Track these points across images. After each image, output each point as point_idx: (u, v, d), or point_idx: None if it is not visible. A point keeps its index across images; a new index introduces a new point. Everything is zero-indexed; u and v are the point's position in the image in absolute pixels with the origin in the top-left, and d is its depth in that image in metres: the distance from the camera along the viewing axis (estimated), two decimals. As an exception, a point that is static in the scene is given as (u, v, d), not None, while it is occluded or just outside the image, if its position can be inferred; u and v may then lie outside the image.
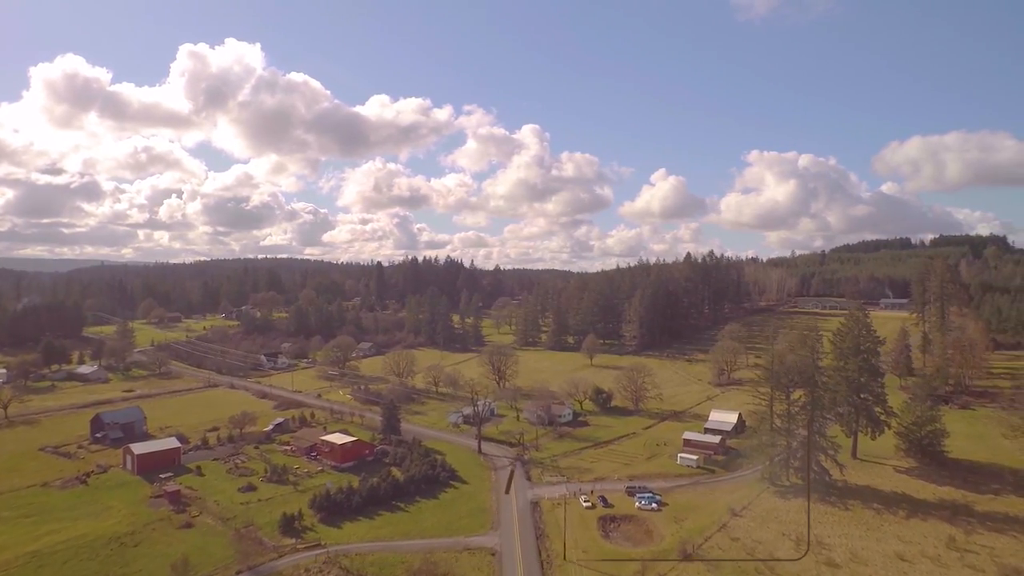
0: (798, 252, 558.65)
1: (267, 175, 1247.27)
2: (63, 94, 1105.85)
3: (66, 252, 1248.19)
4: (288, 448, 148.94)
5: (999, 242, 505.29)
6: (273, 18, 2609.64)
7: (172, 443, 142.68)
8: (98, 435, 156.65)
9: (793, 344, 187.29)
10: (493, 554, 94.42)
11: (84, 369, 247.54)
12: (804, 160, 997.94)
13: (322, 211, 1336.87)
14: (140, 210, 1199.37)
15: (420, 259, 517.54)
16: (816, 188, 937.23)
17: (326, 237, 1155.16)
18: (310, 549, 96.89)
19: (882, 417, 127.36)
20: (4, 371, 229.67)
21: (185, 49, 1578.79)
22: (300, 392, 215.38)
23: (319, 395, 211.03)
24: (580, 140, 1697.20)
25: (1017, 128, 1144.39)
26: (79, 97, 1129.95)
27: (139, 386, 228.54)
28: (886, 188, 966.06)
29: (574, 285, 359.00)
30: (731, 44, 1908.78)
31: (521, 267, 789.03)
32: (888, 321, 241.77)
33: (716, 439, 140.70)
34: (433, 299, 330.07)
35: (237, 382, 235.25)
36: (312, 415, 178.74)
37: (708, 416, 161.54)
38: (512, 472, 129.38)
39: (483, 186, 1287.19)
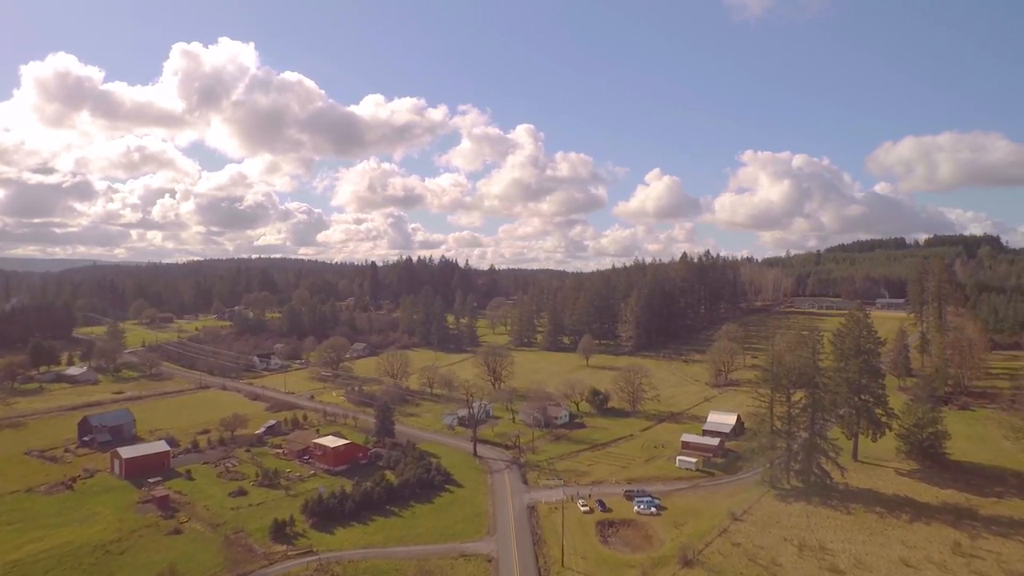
0: (793, 252, 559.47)
1: (261, 175, 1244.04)
2: (55, 93, 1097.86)
3: (58, 252, 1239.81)
4: (280, 451, 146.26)
5: (993, 242, 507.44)
6: (267, 17, 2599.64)
7: (161, 446, 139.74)
8: (86, 438, 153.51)
9: (791, 344, 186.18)
10: (489, 560, 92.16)
11: (73, 370, 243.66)
12: (798, 160, 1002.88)
13: (316, 211, 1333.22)
14: (133, 210, 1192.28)
15: (415, 259, 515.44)
16: (810, 188, 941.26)
17: (320, 237, 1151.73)
18: (302, 556, 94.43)
19: (883, 419, 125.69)
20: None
21: (178, 48, 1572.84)
22: (293, 394, 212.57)
23: (312, 396, 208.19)
24: (575, 140, 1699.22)
25: (1009, 128, 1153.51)
26: (71, 96, 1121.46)
27: (129, 388, 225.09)
28: (879, 188, 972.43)
29: (570, 285, 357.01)
30: (726, 44, 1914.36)
31: (516, 267, 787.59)
32: (885, 321, 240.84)
33: (715, 441, 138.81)
34: (428, 299, 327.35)
35: (229, 383, 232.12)
36: (305, 417, 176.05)
37: (706, 418, 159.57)
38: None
39: (477, 186, 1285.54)
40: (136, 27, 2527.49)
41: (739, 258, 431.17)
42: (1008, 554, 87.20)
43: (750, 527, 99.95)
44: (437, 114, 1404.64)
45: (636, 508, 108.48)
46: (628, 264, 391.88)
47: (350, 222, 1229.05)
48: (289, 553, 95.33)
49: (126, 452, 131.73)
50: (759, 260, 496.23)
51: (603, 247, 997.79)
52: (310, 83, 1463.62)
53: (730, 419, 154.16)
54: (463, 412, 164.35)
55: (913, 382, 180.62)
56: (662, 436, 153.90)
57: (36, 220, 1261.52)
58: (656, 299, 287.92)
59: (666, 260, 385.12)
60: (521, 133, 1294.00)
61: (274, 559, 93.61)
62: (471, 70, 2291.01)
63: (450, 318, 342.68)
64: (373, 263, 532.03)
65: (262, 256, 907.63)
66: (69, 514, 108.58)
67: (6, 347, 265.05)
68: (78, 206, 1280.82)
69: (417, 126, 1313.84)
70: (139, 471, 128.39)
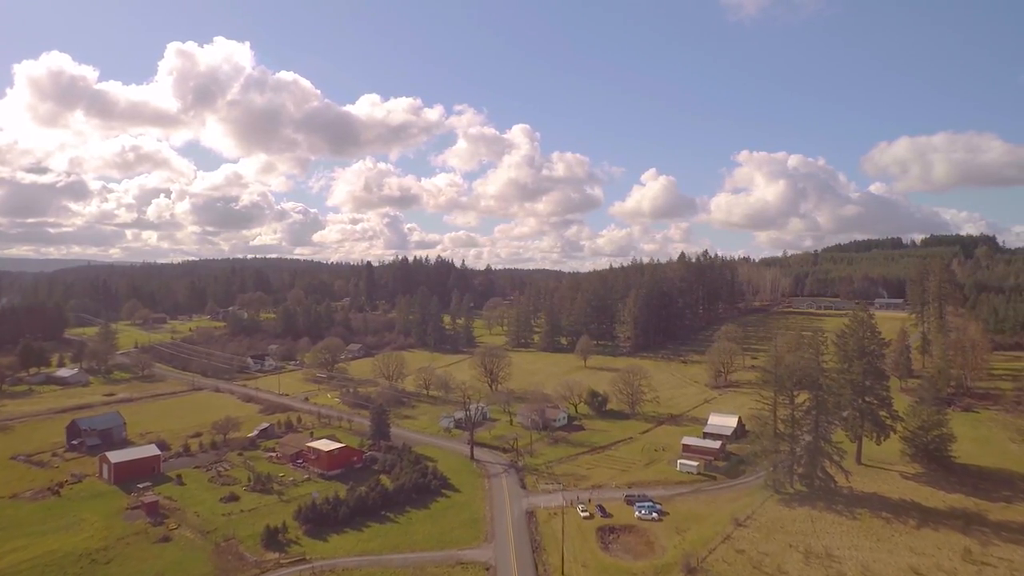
0: (790, 252, 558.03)
1: (256, 174, 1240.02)
2: (48, 92, 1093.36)
3: (52, 252, 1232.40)
4: (273, 455, 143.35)
5: (989, 242, 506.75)
6: (263, 16, 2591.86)
7: (152, 450, 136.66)
8: (74, 442, 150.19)
9: (791, 345, 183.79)
10: (487, 569, 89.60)
11: (64, 372, 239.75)
12: (793, 160, 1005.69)
13: (312, 211, 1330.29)
14: (128, 210, 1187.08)
15: (411, 259, 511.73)
16: (805, 188, 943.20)
17: (316, 237, 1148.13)
18: (294, 564, 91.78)
19: (887, 421, 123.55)
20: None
21: (173, 47, 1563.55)
22: (287, 395, 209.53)
23: (306, 398, 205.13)
24: (571, 140, 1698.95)
25: (1003, 129, 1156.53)
26: (65, 95, 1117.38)
27: (121, 390, 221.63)
28: (875, 188, 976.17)
29: (567, 285, 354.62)
30: (721, 44, 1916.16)
31: (512, 267, 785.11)
32: (885, 321, 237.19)
33: (716, 444, 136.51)
34: (424, 299, 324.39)
35: (223, 385, 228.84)
36: (299, 420, 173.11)
37: (707, 420, 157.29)
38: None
39: (473, 186, 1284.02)
40: (131, 26, 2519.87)
41: (736, 258, 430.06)
42: (1020, 561, 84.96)
43: (754, 533, 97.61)
44: (433, 114, 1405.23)
45: (637, 513, 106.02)
46: (626, 264, 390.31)
47: (346, 222, 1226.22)
48: (281, 561, 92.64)
49: (115, 456, 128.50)
50: (756, 260, 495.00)
51: (599, 247, 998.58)
52: (306, 83, 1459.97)
53: (731, 421, 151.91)
54: (460, 414, 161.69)
55: (915, 383, 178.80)
56: (662, 439, 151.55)
57: (30, 220, 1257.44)
58: (654, 299, 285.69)
59: (662, 260, 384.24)
60: (517, 133, 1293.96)
61: (266, 567, 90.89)
62: (467, 70, 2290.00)
63: (446, 319, 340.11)
64: (369, 263, 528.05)
65: (258, 256, 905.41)
66: (54, 521, 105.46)
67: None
68: (72, 206, 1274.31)
69: (413, 126, 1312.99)
70: (128, 476, 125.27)
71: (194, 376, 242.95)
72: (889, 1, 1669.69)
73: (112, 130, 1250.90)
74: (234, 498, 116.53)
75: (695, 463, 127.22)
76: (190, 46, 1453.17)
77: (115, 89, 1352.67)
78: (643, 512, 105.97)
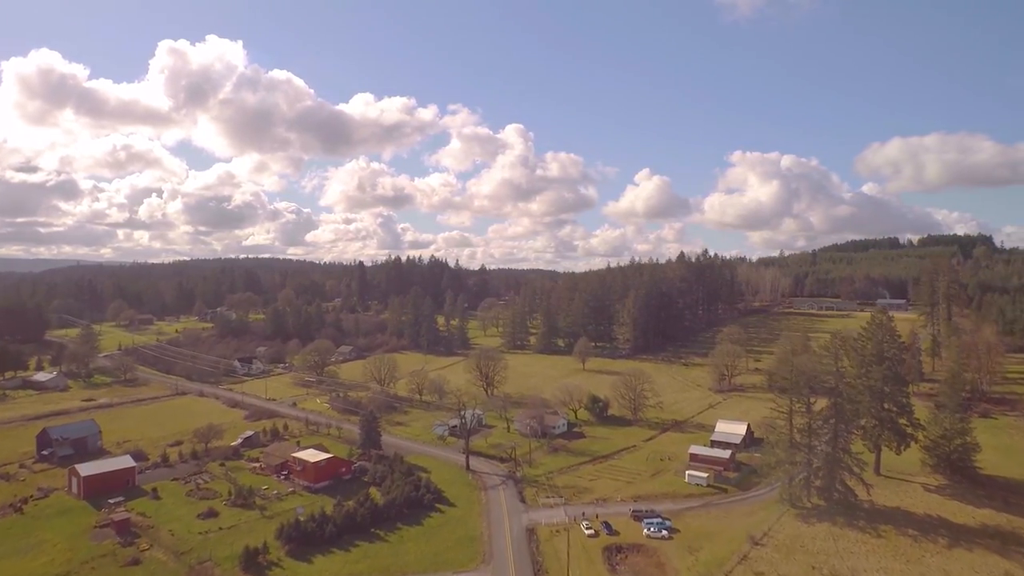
0: (786, 252, 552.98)
1: (249, 174, 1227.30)
2: (37, 90, 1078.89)
3: (43, 252, 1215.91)
4: (257, 465, 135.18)
5: (986, 242, 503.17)
6: (255, 15, 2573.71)
7: (126, 462, 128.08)
8: (45, 452, 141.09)
9: (798, 348, 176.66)
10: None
11: (41, 376, 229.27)
12: (787, 161, 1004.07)
13: (305, 211, 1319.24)
14: (119, 209, 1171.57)
15: (404, 259, 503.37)
16: (799, 188, 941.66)
17: (309, 237, 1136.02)
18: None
19: (908, 430, 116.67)
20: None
21: (165, 45, 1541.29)
22: (274, 400, 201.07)
23: (294, 404, 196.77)
24: (564, 140, 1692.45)
25: (995, 130, 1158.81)
26: (54, 93, 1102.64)
27: (101, 394, 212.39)
28: (867, 188, 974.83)
29: (563, 285, 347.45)
30: (715, 45, 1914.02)
31: (506, 267, 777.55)
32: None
33: (726, 453, 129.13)
34: (417, 300, 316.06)
35: (207, 389, 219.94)
36: (285, 427, 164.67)
37: (713, 426, 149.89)
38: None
39: (467, 186, 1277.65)
40: (121, 24, 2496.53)
41: (732, 258, 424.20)
42: (1067, 587, 78.23)
43: (772, 552, 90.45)
44: (427, 113, 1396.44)
45: (645, 531, 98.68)
46: (622, 264, 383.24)
47: (339, 222, 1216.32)
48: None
49: (85, 469, 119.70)
50: (753, 260, 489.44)
51: (593, 247, 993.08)
52: (299, 81, 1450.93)
53: (740, 428, 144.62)
54: (454, 421, 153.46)
55: (927, 388, 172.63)
56: (667, 447, 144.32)
57: (20, 219, 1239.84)
58: (654, 300, 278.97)
59: (657, 260, 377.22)
60: (511, 133, 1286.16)
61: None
62: (461, 70, 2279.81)
63: (440, 319, 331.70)
64: (361, 263, 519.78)
65: (250, 256, 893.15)
66: (13, 542, 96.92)
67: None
68: (63, 205, 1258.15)
69: (407, 125, 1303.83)
70: (99, 490, 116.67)
71: (178, 380, 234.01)
72: (882, 3, 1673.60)
73: (103, 129, 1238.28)
74: (213, 514, 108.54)
75: (704, 474, 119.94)
76: (182, 44, 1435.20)
77: (106, 87, 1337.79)
78: (652, 529, 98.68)
